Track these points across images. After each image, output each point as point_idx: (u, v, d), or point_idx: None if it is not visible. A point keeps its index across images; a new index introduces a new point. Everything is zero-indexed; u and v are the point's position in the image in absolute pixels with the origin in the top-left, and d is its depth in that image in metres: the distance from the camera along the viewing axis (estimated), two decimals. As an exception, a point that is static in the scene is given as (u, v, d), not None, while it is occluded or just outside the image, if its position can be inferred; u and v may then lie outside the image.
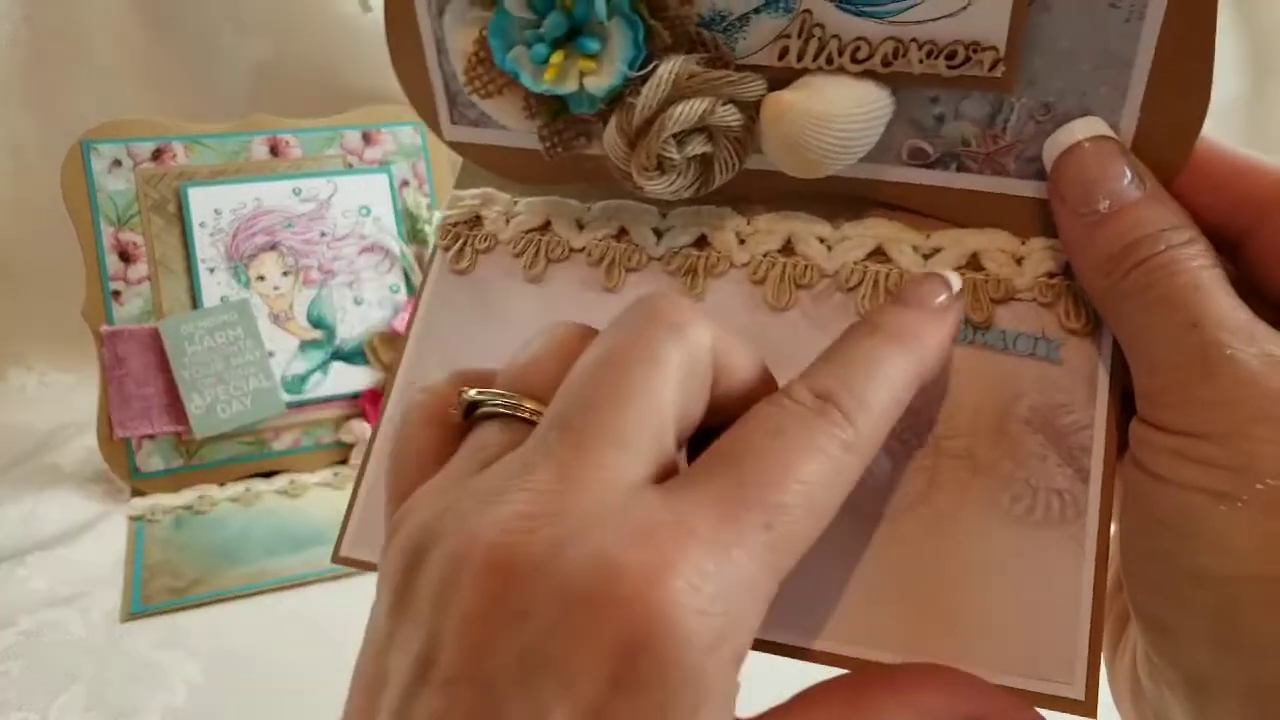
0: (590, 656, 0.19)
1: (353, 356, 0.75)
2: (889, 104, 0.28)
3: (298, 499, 0.72)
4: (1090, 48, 0.26)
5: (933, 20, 0.27)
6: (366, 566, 0.32)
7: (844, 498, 0.23)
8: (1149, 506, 0.25)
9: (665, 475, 0.22)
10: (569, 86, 0.29)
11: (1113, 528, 0.27)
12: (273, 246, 0.73)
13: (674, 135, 0.28)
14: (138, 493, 0.74)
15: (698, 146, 0.29)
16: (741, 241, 0.32)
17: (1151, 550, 0.25)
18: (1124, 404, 0.28)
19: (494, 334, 0.33)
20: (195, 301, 0.72)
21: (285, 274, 0.73)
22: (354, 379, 0.74)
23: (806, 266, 0.31)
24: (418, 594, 0.21)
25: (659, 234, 0.32)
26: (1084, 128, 0.27)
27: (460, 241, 0.34)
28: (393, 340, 0.75)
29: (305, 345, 0.74)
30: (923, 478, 0.29)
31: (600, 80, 0.28)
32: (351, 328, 0.74)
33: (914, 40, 0.27)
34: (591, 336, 0.25)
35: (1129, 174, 0.27)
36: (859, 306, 0.30)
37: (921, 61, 0.27)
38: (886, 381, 0.24)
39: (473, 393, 0.25)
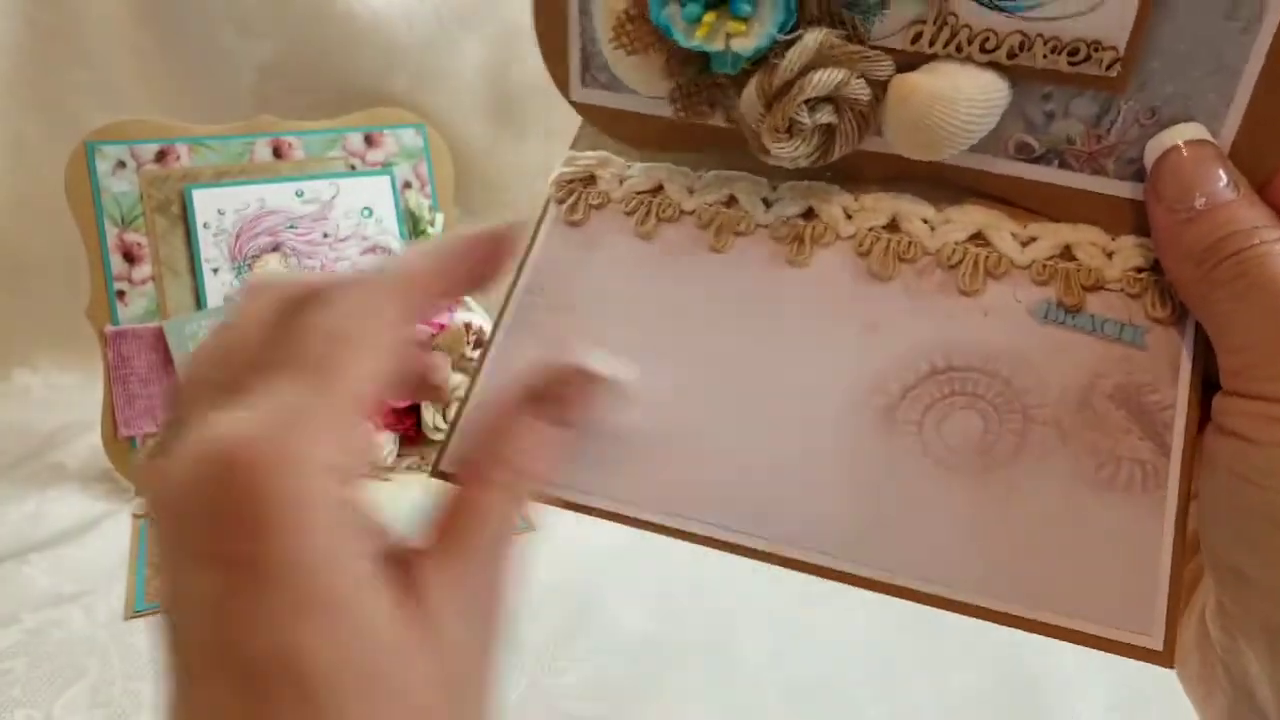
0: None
1: None
2: (1007, 95, 0.30)
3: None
4: (1203, 55, 0.28)
5: (1061, 18, 0.29)
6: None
7: None
8: (1237, 466, 0.26)
9: None
10: (716, 45, 0.30)
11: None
12: (276, 247, 0.73)
13: (806, 101, 0.30)
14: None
15: (825, 116, 0.31)
16: (848, 216, 0.33)
17: (1238, 505, 0.26)
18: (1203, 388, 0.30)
19: (599, 278, 0.34)
20: (199, 302, 0.71)
21: None
22: None
23: (910, 243, 0.32)
24: None
25: (768, 204, 0.34)
26: (1185, 132, 0.29)
27: (574, 196, 0.35)
28: None
29: None
30: (1012, 440, 0.30)
31: (747, 41, 0.30)
32: None
33: (1040, 35, 0.29)
34: None
35: (1225, 177, 0.28)
36: (959, 283, 0.31)
37: (1045, 56, 0.29)
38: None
39: None
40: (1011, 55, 0.30)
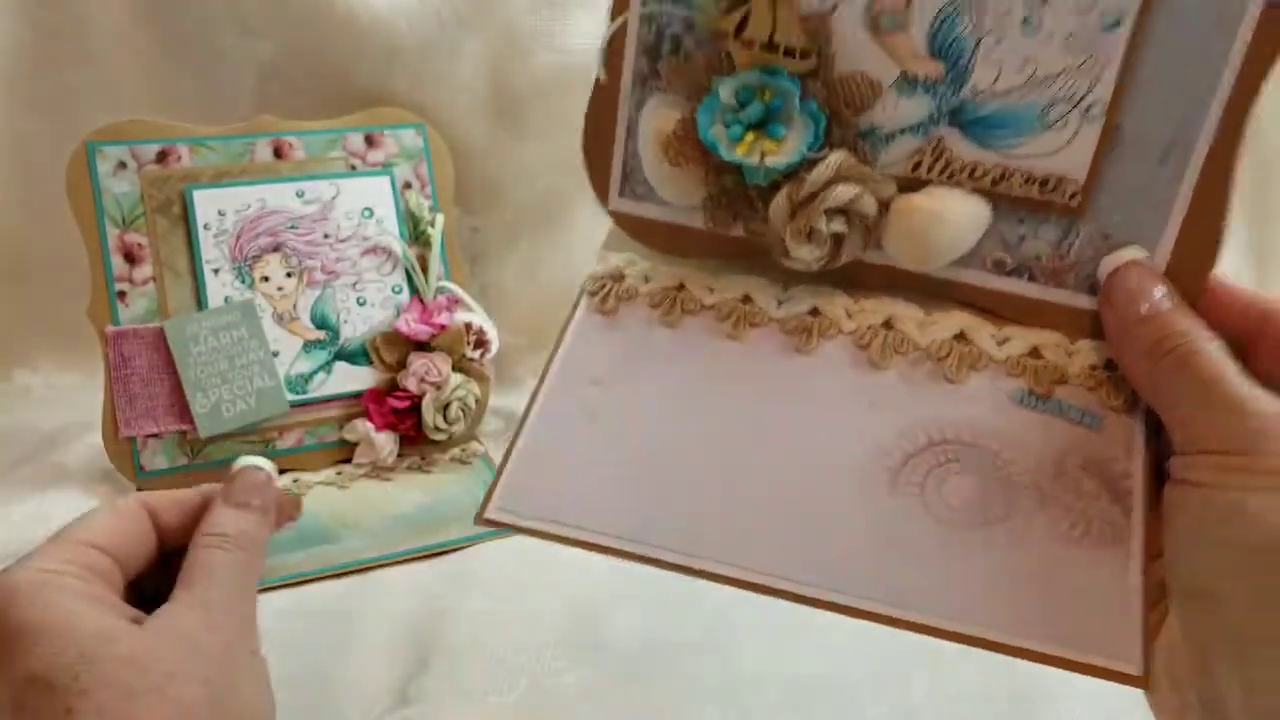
0: None
1: (356, 357, 0.72)
2: (988, 217, 0.36)
3: (301, 497, 0.65)
4: (1144, 193, 0.35)
5: (1034, 156, 0.35)
6: (509, 528, 0.35)
7: None
8: (1198, 509, 0.31)
9: None
10: (753, 160, 0.35)
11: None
12: (276, 248, 0.72)
13: (826, 210, 0.36)
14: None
15: (837, 226, 0.36)
16: (849, 315, 0.38)
17: (1202, 538, 0.30)
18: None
19: (629, 357, 0.38)
20: (200, 302, 0.70)
21: (289, 275, 0.72)
22: (357, 378, 0.72)
23: (904, 339, 0.37)
24: None
25: (779, 302, 0.39)
26: (1131, 253, 0.35)
27: (605, 289, 0.40)
28: (395, 340, 0.72)
29: (309, 345, 0.72)
30: (1001, 502, 0.34)
31: (780, 158, 0.35)
32: (355, 328, 0.73)
33: (1017, 169, 0.35)
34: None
35: (1163, 290, 0.34)
36: (946, 373, 0.36)
37: (1021, 186, 0.35)
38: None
39: None
40: (994, 183, 0.36)
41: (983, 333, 0.37)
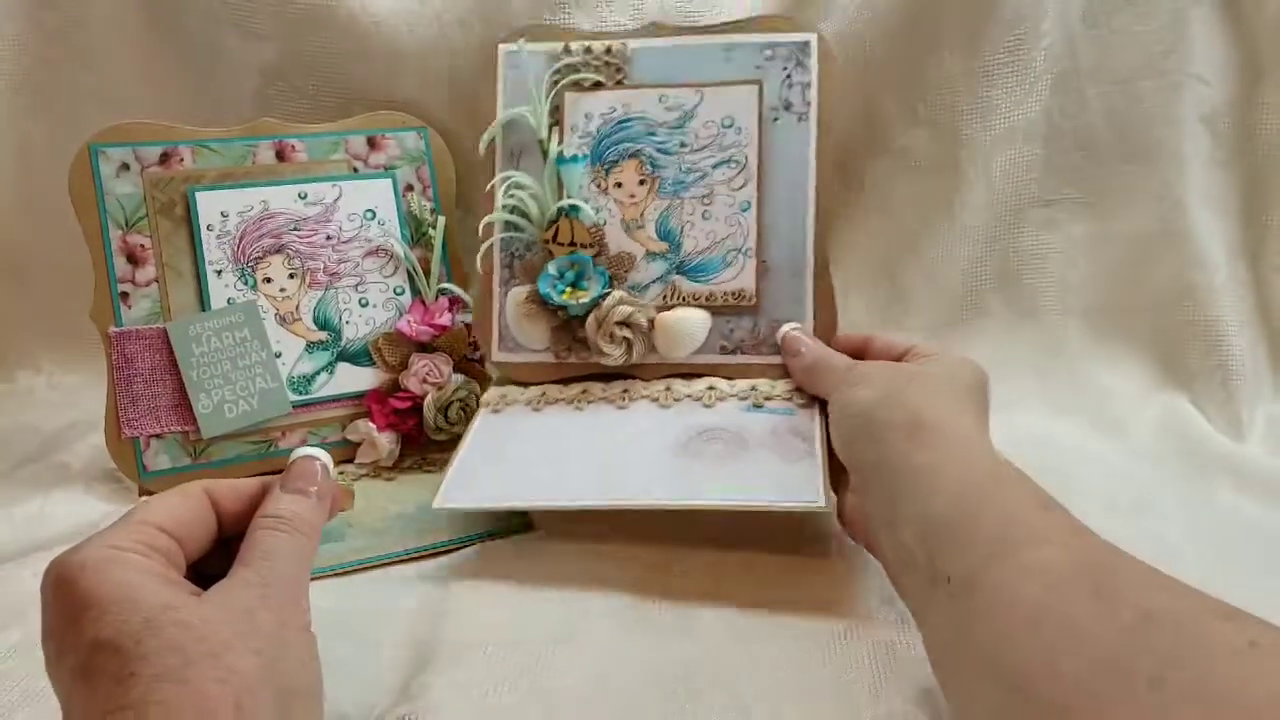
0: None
1: (358, 357, 0.72)
2: (709, 321, 0.63)
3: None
4: (789, 295, 0.62)
5: (726, 282, 0.63)
6: (457, 508, 0.55)
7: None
8: (835, 411, 0.54)
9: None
10: (572, 301, 0.62)
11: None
12: (279, 249, 0.72)
13: (618, 322, 0.61)
14: (146, 491, 0.68)
15: (626, 333, 0.62)
16: (646, 388, 0.62)
17: (839, 420, 0.53)
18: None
19: (512, 433, 0.61)
20: (203, 303, 0.70)
21: (291, 276, 0.72)
22: (360, 379, 0.72)
23: (679, 392, 0.62)
24: None
25: (604, 390, 0.63)
26: (790, 326, 0.62)
27: (495, 402, 0.63)
28: (397, 341, 0.72)
29: (312, 346, 0.72)
30: (739, 450, 0.57)
31: (587, 298, 0.62)
32: (357, 329, 0.72)
33: (720, 291, 0.63)
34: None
35: (812, 340, 0.61)
36: (704, 403, 0.61)
37: (722, 299, 0.63)
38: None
39: None
40: (708, 300, 0.63)
41: (722, 383, 0.62)
